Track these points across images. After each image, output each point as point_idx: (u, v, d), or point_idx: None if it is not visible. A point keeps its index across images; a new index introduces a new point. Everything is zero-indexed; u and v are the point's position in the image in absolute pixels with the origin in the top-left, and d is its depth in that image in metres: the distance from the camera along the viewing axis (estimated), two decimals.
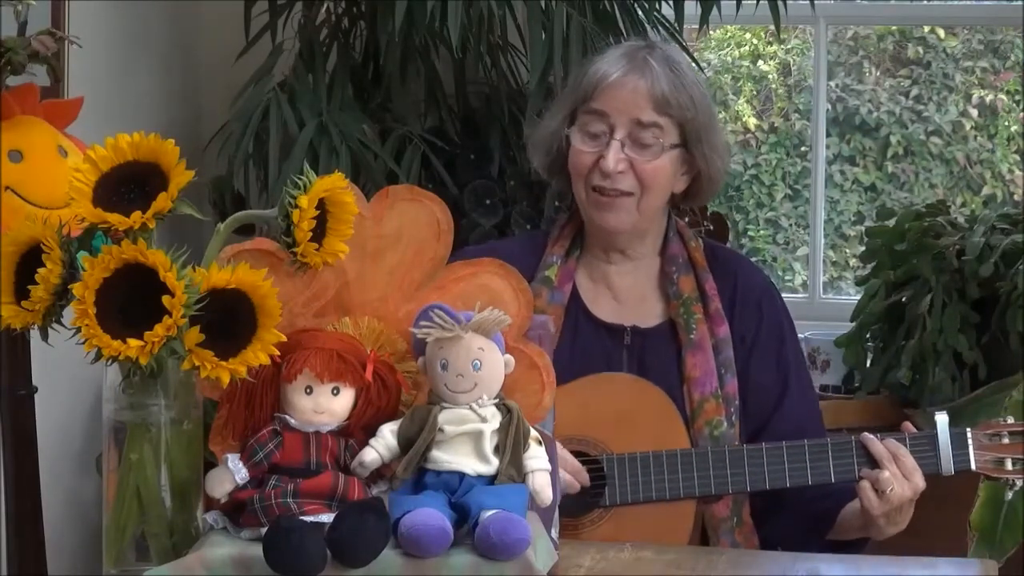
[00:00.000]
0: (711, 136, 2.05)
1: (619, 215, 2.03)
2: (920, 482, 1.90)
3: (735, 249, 3.78)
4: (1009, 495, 1.99)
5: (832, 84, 4.70)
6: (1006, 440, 1.94)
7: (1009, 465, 1.93)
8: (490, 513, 1.34)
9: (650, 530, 1.91)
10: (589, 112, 2.03)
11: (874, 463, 1.90)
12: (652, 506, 1.92)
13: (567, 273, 2.09)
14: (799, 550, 1.91)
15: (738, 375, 2.03)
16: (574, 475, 1.87)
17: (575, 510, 1.90)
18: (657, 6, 2.88)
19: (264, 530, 1.32)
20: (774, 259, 4.92)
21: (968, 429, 1.94)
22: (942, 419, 1.94)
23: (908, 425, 1.96)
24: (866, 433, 1.93)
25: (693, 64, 2.47)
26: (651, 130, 2.00)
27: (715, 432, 1.98)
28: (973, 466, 1.93)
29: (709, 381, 2.01)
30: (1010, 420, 1.96)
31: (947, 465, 1.92)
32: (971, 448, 1.92)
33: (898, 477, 1.88)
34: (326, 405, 1.40)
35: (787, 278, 4.79)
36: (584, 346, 2.05)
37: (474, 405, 1.39)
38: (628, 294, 2.10)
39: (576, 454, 1.91)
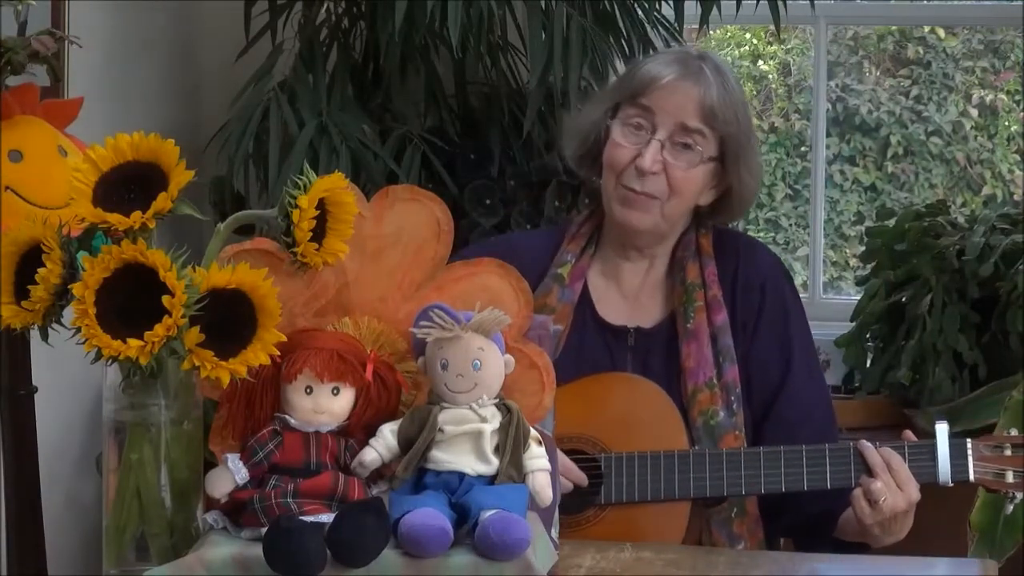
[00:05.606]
0: (748, 155, 2.04)
1: (642, 215, 2.03)
2: (914, 493, 1.88)
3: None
4: (1009, 508, 1.96)
5: (832, 84, 4.70)
6: (1008, 452, 1.90)
7: (1010, 477, 1.90)
8: (490, 513, 1.34)
9: (644, 529, 1.91)
10: (635, 106, 2.02)
11: (871, 470, 1.89)
12: (646, 506, 1.91)
13: (579, 271, 2.09)
14: (805, 546, 1.89)
15: (740, 359, 2.02)
16: (565, 474, 1.86)
17: (570, 508, 1.90)
18: (657, 6, 2.88)
19: (264, 530, 1.32)
20: None
21: (968, 440, 1.91)
22: (942, 428, 1.90)
23: (908, 434, 1.94)
24: (863, 441, 1.91)
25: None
26: (693, 136, 2.00)
27: (711, 422, 1.97)
28: (971, 477, 1.90)
29: (703, 370, 2.00)
30: (1014, 432, 1.94)
31: (945, 475, 1.89)
32: (970, 459, 1.89)
33: (891, 487, 1.86)
34: (326, 405, 1.40)
35: None
36: (590, 347, 2.05)
37: (474, 405, 1.40)
38: (636, 292, 2.10)
39: (573, 452, 1.91)
